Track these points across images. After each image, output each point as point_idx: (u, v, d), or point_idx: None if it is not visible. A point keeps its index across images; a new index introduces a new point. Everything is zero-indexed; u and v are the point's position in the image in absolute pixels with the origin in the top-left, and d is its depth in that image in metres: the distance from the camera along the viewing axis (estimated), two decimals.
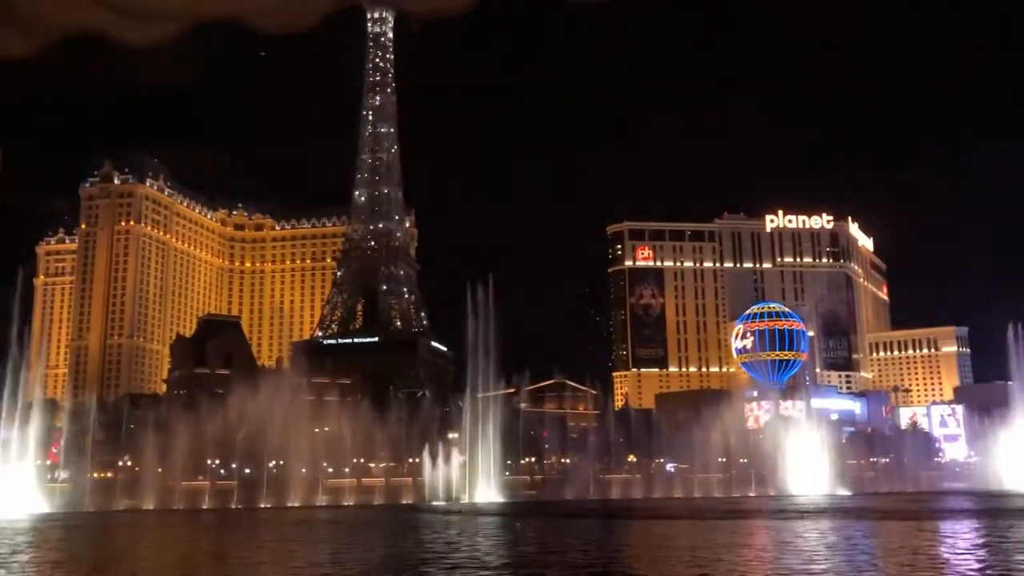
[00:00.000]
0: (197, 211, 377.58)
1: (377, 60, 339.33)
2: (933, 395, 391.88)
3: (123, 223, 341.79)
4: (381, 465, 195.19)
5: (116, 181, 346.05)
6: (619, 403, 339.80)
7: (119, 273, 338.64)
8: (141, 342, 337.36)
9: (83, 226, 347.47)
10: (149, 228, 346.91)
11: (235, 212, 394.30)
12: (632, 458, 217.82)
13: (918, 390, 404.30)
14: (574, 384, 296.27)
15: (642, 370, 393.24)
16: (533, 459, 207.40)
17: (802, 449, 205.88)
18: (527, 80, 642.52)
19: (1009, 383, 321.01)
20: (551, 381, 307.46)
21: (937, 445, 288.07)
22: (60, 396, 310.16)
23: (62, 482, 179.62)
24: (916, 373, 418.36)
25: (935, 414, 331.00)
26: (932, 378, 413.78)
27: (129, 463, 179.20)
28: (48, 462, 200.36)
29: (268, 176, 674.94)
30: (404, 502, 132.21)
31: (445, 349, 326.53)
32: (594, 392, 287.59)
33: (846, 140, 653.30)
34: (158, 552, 52.20)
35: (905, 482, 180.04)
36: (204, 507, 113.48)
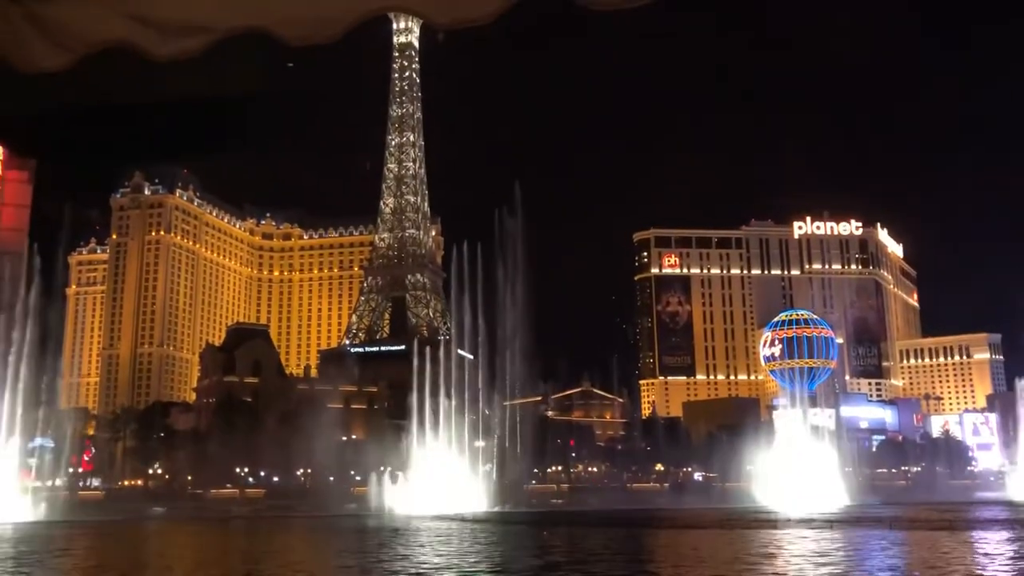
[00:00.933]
0: (226, 221, 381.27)
1: (403, 70, 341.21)
2: (965, 403, 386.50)
3: (153, 233, 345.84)
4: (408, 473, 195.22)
5: (146, 192, 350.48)
6: (646, 411, 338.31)
7: (149, 283, 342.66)
8: (171, 351, 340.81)
9: (114, 236, 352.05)
10: (179, 238, 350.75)
11: (263, 221, 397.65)
12: (660, 467, 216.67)
13: (950, 398, 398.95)
14: (601, 392, 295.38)
15: (669, 378, 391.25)
16: (560, 467, 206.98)
17: (828, 458, 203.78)
18: (551, 88, 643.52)
19: None
20: (578, 389, 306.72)
21: (970, 454, 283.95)
22: (92, 405, 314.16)
23: (94, 489, 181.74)
24: (948, 381, 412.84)
25: (968, 422, 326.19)
26: (964, 386, 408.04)
27: (160, 471, 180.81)
28: (80, 470, 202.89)
29: (295, 185, 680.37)
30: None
31: (471, 356, 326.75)
32: (621, 400, 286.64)
33: (876, 146, 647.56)
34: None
35: (937, 492, 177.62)
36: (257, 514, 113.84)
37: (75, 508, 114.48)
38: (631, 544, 54.56)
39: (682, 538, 58.05)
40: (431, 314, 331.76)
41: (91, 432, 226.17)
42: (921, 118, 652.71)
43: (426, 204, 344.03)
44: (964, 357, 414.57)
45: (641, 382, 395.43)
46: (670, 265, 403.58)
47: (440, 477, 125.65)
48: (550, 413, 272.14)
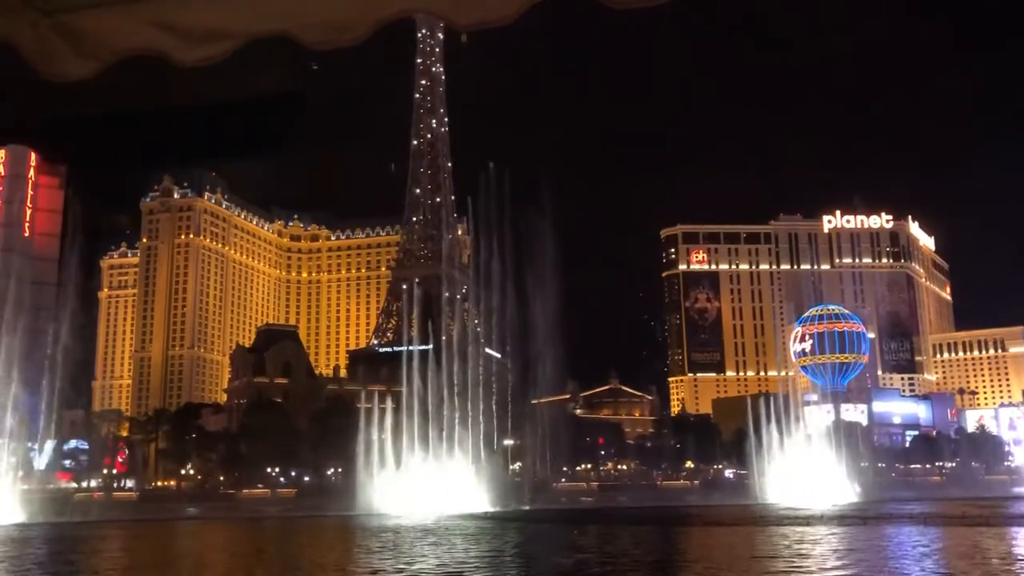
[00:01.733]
0: (254, 223, 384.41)
1: (427, 66, 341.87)
2: (1001, 397, 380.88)
3: (183, 236, 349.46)
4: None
5: (175, 195, 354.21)
6: (675, 408, 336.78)
7: (180, 285, 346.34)
8: (202, 352, 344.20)
9: (144, 240, 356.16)
10: (208, 241, 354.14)
11: (291, 223, 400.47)
12: (689, 464, 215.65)
13: (985, 392, 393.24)
14: (629, 390, 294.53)
15: (698, 375, 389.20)
16: (589, 465, 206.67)
17: (859, 455, 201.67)
18: (577, 84, 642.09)
19: None
20: (607, 387, 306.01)
21: (1006, 449, 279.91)
22: (125, 407, 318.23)
23: (128, 490, 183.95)
24: (983, 375, 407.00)
25: (1003, 416, 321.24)
26: (1000, 380, 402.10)
27: (192, 472, 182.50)
28: (115, 471, 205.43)
29: (323, 187, 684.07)
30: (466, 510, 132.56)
31: (499, 356, 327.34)
32: (650, 398, 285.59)
33: (905, 138, 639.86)
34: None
35: (972, 487, 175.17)
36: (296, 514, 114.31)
37: (110, 509, 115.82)
38: (662, 543, 54.37)
39: (713, 536, 57.74)
40: (459, 313, 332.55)
41: (124, 434, 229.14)
42: (952, 108, 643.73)
43: (452, 202, 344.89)
44: (999, 351, 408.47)
45: (670, 379, 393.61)
46: (698, 261, 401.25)
47: (467, 476, 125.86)
48: (579, 411, 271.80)
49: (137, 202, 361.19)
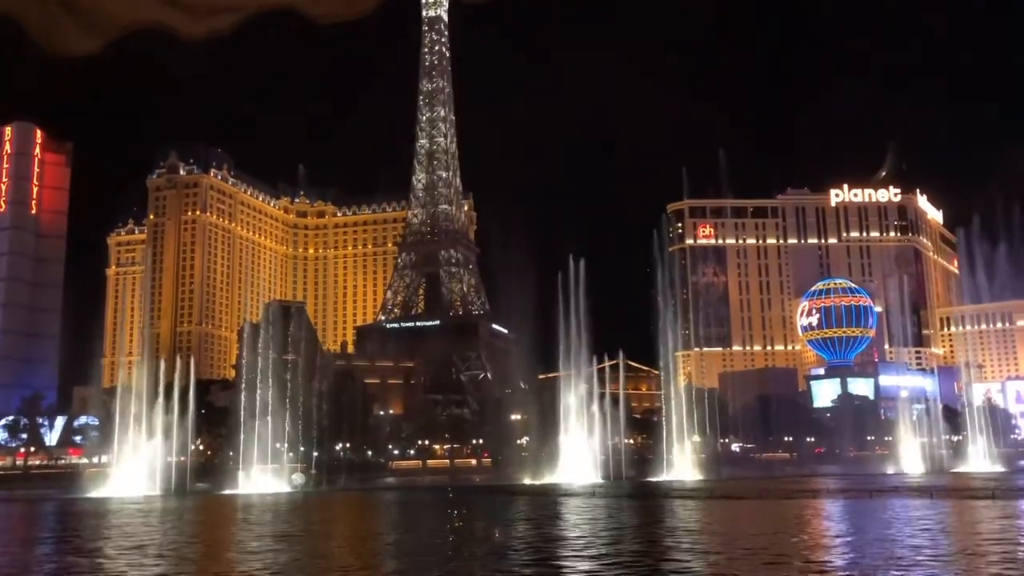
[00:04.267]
0: (260, 199, 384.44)
1: (432, 44, 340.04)
2: (1008, 370, 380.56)
3: (189, 213, 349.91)
4: (445, 447, 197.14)
5: (182, 172, 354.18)
6: (682, 383, 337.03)
7: (187, 262, 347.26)
8: (209, 328, 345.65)
9: (151, 217, 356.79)
10: (214, 217, 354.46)
11: (297, 199, 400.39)
12: (696, 438, 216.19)
13: (992, 366, 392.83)
14: (636, 364, 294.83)
15: (705, 349, 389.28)
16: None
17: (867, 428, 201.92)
18: (583, 55, 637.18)
19: None
20: (613, 362, 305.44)
21: (1013, 422, 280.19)
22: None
23: None
24: (990, 348, 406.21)
25: (1010, 390, 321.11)
26: (1007, 353, 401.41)
27: (201, 447, 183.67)
28: None
29: (328, 163, 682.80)
30: (481, 482, 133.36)
31: (506, 331, 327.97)
32: (656, 372, 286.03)
33: (912, 110, 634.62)
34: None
35: (980, 459, 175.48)
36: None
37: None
38: (671, 514, 54.71)
39: (723, 509, 58.06)
40: (465, 289, 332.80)
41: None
42: (956, 82, 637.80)
43: (458, 179, 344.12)
44: (1007, 324, 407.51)
45: (677, 354, 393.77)
46: (705, 236, 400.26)
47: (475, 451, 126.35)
48: (584, 386, 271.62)
49: (144, 179, 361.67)
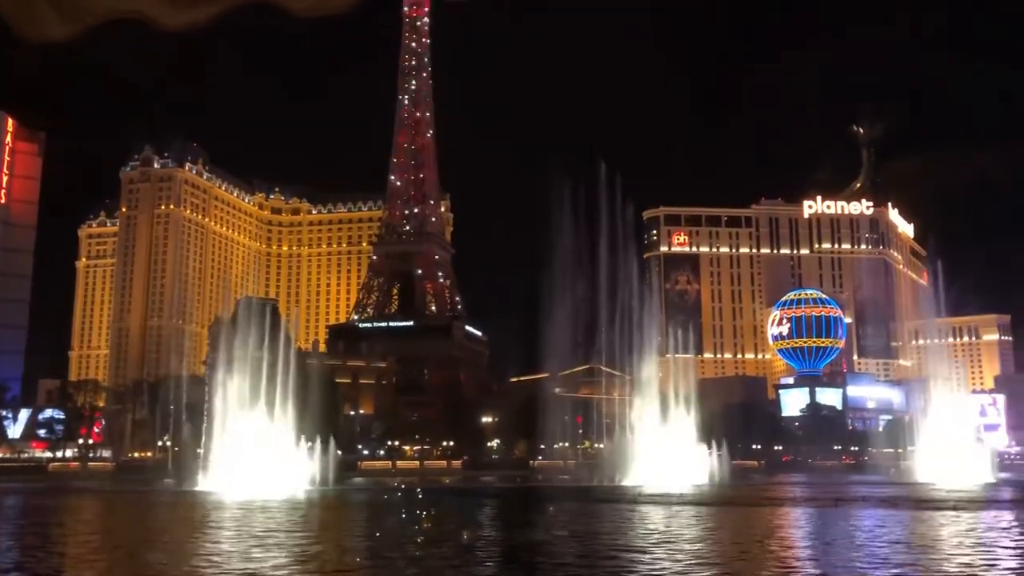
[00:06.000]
0: (235, 195, 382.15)
1: (412, 43, 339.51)
2: (974, 384, 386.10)
3: (163, 207, 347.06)
4: (415, 448, 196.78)
5: (156, 165, 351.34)
6: (653, 389, 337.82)
7: (159, 256, 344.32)
8: (180, 324, 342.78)
9: (124, 209, 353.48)
10: (188, 212, 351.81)
11: (272, 196, 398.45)
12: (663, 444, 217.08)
13: (958, 379, 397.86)
14: (608, 369, 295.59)
15: (677, 356, 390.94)
16: (566, 443, 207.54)
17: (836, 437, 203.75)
18: (560, 59, 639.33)
19: None
20: (585, 367, 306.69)
21: (977, 435, 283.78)
22: (102, 377, 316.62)
23: (104, 461, 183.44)
24: (957, 361, 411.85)
25: (975, 403, 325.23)
26: (973, 367, 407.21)
27: (169, 443, 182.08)
28: (91, 441, 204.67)
29: (304, 160, 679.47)
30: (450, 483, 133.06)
31: (480, 333, 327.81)
32: (629, 377, 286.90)
33: (886, 125, 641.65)
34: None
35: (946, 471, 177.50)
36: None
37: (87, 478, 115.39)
38: (629, 519, 54.99)
39: (686, 514, 58.48)
40: (440, 290, 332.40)
41: (101, 404, 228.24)
42: (931, 101, 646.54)
43: (436, 179, 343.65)
44: (973, 338, 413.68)
45: (649, 360, 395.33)
46: (679, 243, 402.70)
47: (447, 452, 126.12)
48: (557, 389, 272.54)
49: (117, 171, 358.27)
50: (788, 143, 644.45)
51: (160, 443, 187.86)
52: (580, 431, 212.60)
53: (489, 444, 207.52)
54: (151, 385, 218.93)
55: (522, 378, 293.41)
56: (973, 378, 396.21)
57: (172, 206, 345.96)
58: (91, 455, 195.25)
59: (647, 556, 33.69)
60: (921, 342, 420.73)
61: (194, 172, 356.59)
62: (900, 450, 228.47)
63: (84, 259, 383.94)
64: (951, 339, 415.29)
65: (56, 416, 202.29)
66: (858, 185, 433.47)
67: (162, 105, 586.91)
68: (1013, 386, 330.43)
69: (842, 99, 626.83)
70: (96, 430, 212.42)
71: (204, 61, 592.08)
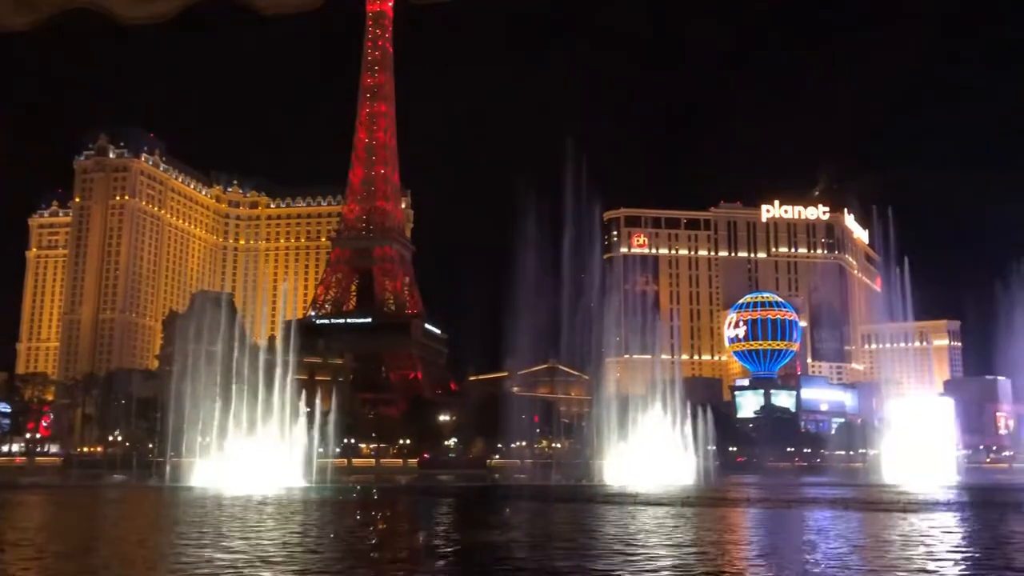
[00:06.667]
0: (192, 187, 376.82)
1: (376, 39, 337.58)
2: (924, 387, 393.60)
3: (118, 198, 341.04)
4: (371, 447, 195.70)
5: (111, 155, 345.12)
6: (611, 389, 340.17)
7: (113, 248, 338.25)
8: (134, 317, 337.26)
9: (77, 199, 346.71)
10: (144, 203, 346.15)
11: (230, 189, 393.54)
12: (624, 444, 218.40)
13: (909, 382, 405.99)
14: (567, 369, 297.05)
15: (634, 356, 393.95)
16: (524, 442, 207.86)
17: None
18: (526, 59, 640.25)
19: (999, 378, 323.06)
20: (544, 366, 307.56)
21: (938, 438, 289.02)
22: (51, 370, 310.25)
23: (52, 455, 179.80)
24: (907, 366, 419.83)
25: (933, 407, 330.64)
26: (923, 371, 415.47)
27: (120, 438, 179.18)
28: (38, 435, 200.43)
29: (264, 155, 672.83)
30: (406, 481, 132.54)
31: (439, 331, 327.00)
32: (587, 377, 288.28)
33: (846, 132, 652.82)
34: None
35: (896, 473, 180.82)
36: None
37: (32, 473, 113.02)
38: (585, 519, 55.21)
39: (638, 514, 58.78)
40: (399, 287, 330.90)
41: (50, 398, 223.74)
42: (890, 109, 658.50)
43: (396, 176, 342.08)
44: (924, 343, 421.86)
45: (607, 360, 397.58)
46: (639, 245, 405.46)
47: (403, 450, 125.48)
48: (515, 389, 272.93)
49: (71, 160, 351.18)
50: (750, 148, 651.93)
51: (111, 438, 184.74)
52: (538, 430, 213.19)
53: (446, 443, 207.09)
54: (102, 379, 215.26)
55: (481, 377, 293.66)
56: (923, 382, 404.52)
57: (127, 197, 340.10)
58: (39, 450, 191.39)
59: (602, 559, 33.79)
60: (873, 346, 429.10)
61: (151, 163, 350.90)
62: (852, 452, 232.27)
63: (35, 249, 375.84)
64: (903, 344, 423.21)
65: (2, 410, 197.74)
66: (817, 192, 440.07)
67: (118, 95, 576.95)
68: (961, 391, 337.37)
69: (807, 106, 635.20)
70: (44, 424, 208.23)
71: (165, 52, 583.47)
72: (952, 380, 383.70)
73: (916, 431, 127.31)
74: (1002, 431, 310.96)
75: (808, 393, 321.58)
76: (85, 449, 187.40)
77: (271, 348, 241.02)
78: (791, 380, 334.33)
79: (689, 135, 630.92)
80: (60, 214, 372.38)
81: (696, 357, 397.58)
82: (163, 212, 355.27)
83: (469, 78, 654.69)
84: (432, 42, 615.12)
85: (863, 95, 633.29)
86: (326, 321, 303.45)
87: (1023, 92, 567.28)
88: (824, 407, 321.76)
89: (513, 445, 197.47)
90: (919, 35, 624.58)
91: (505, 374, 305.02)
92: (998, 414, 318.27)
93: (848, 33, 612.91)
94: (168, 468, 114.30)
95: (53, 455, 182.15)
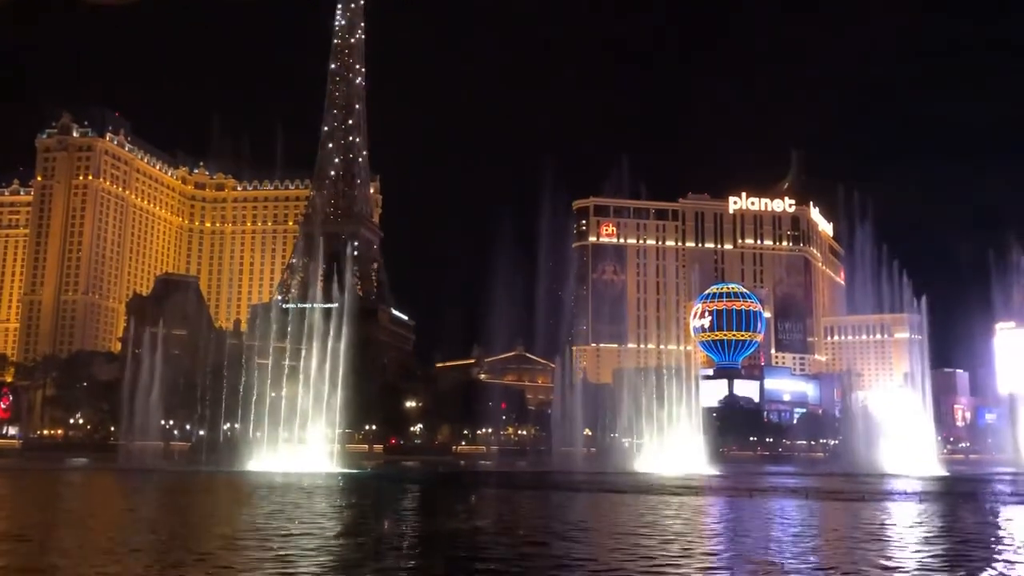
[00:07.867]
0: (158, 168, 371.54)
1: (346, 22, 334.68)
2: (885, 379, 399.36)
3: (81, 177, 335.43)
4: (337, 431, 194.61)
5: (75, 134, 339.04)
6: (578, 377, 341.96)
7: (75, 228, 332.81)
8: (96, 299, 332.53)
9: (39, 178, 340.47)
10: (108, 183, 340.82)
11: (196, 170, 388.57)
12: (588, 432, 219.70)
13: (870, 374, 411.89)
14: (534, 357, 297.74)
15: (601, 345, 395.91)
16: (489, 429, 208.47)
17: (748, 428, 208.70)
18: (494, 49, 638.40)
19: (957, 371, 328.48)
20: (512, 353, 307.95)
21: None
22: (10, 351, 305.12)
23: (10, 438, 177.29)
24: (868, 358, 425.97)
25: (901, 398, 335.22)
26: (884, 363, 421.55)
27: (81, 421, 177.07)
28: None
29: (232, 137, 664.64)
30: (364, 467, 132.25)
31: (406, 318, 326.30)
32: (554, 366, 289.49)
33: (815, 124, 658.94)
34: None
35: (854, 464, 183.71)
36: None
37: None
38: (549, 506, 55.57)
39: (600, 501, 59.27)
40: (367, 273, 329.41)
41: (9, 379, 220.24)
42: (862, 102, 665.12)
43: (365, 160, 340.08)
44: (885, 335, 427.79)
45: (574, 348, 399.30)
46: (608, 234, 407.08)
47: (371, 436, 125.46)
48: (483, 376, 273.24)
49: (32, 138, 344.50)
50: (719, 140, 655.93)
51: (72, 420, 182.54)
52: (504, 417, 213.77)
53: (412, 429, 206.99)
54: (64, 361, 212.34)
55: (448, 363, 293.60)
56: (884, 374, 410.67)
57: (91, 177, 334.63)
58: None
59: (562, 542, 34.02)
60: (836, 338, 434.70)
61: (115, 143, 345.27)
62: (813, 442, 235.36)
63: None
64: (864, 336, 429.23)
65: None
66: (787, 184, 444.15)
67: (82, 74, 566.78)
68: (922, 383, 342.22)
69: (776, 99, 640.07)
70: (3, 406, 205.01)
71: (130, 34, 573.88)
72: (911, 372, 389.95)
73: (890, 423, 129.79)
74: (959, 423, 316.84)
75: (771, 383, 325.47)
76: (45, 432, 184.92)
77: (236, 332, 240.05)
78: (755, 370, 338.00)
79: (659, 126, 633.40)
80: (21, 192, 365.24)
81: (662, 346, 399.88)
82: (128, 193, 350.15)
83: (439, 67, 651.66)
84: (405, 28, 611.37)
85: (831, 87, 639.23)
86: (292, 306, 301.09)
87: (989, 84, 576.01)
88: (787, 397, 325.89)
89: (479, 432, 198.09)
90: (892, 26, 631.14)
91: (472, 361, 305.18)
92: (956, 407, 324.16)
93: (819, 23, 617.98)
94: (129, 451, 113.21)
95: (11, 437, 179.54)
